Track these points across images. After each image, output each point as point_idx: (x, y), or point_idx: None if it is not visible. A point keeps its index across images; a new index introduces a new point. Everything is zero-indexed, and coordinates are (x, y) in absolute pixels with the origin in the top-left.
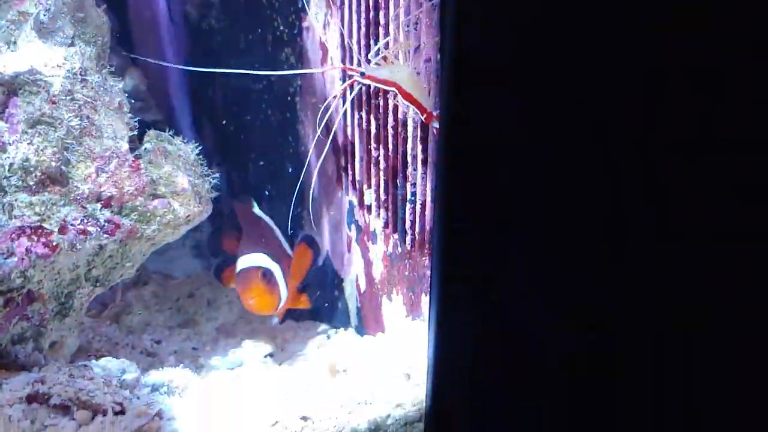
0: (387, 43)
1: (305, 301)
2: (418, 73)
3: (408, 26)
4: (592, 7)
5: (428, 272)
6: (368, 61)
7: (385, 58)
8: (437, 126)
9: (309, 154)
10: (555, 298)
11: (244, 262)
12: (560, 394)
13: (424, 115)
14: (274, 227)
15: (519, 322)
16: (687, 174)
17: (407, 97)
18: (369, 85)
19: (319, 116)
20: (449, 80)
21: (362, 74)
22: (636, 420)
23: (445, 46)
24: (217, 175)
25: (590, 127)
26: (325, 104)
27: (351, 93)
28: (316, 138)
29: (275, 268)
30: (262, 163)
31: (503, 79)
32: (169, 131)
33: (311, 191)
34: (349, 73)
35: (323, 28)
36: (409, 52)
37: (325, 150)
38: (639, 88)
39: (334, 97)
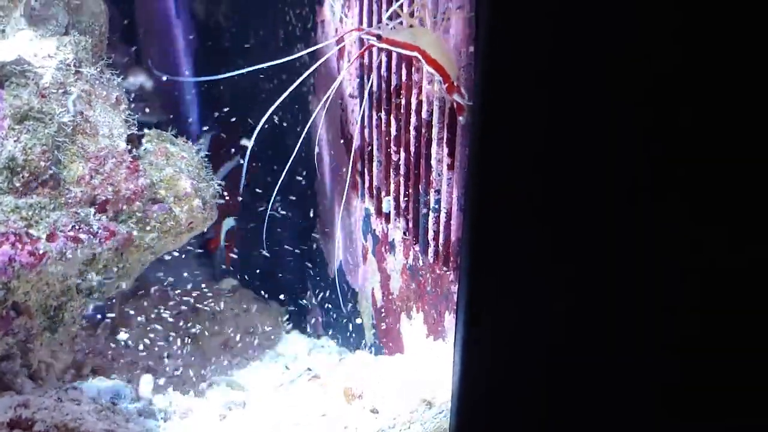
0: (402, 5)
1: None
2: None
3: (435, 17)
4: None
5: (454, 288)
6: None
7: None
8: (458, 99)
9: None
10: (595, 320)
11: None
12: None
13: (446, 84)
14: None
15: (558, 346)
16: None
17: (431, 62)
18: (389, 52)
19: (328, 95)
20: (484, 69)
21: (379, 38)
22: None
23: (481, 35)
24: (222, 182)
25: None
26: (339, 79)
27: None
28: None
29: None
30: (272, 166)
31: (544, 69)
32: (172, 131)
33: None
34: (365, 38)
35: (340, 22)
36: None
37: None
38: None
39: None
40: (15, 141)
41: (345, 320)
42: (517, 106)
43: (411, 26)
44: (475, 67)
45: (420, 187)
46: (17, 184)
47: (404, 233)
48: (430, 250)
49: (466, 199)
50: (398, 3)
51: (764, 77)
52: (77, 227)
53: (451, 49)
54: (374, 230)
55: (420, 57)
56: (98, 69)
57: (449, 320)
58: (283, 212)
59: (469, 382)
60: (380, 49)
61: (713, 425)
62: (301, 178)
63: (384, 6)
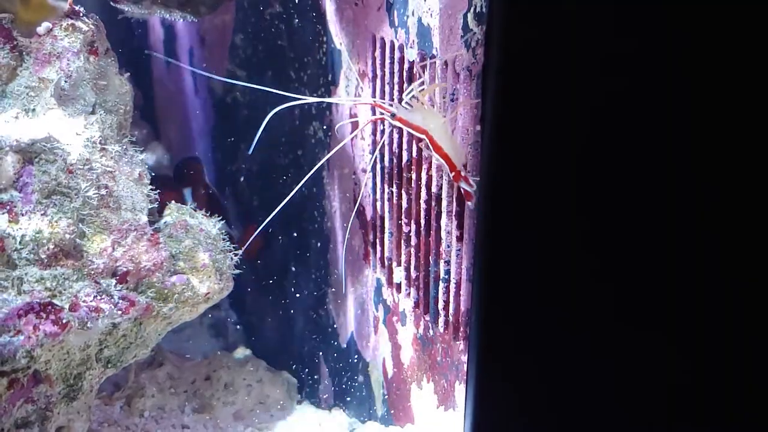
0: (421, 84)
1: None
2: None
3: (444, 96)
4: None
5: (463, 358)
6: (401, 101)
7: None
8: (465, 187)
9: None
10: (607, 388)
11: None
12: None
13: (453, 173)
14: None
15: (569, 418)
16: None
17: (437, 149)
18: (400, 132)
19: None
20: (492, 141)
21: (393, 115)
22: None
23: (488, 109)
24: (240, 251)
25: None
26: (344, 142)
27: (379, 133)
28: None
29: None
30: (287, 238)
31: (553, 146)
32: (191, 204)
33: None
34: (380, 111)
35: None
36: (443, 97)
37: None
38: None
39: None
40: (42, 215)
41: (356, 391)
42: (526, 128)
43: (425, 107)
44: (485, 84)
45: (430, 258)
46: (42, 256)
47: (415, 303)
48: (440, 320)
49: (478, 222)
50: (418, 81)
51: None
52: (99, 297)
53: (457, 136)
54: (385, 300)
55: (427, 141)
56: (123, 146)
57: (459, 390)
58: (296, 282)
59: (481, 415)
60: (391, 128)
61: None
62: (314, 249)
63: (396, 87)
